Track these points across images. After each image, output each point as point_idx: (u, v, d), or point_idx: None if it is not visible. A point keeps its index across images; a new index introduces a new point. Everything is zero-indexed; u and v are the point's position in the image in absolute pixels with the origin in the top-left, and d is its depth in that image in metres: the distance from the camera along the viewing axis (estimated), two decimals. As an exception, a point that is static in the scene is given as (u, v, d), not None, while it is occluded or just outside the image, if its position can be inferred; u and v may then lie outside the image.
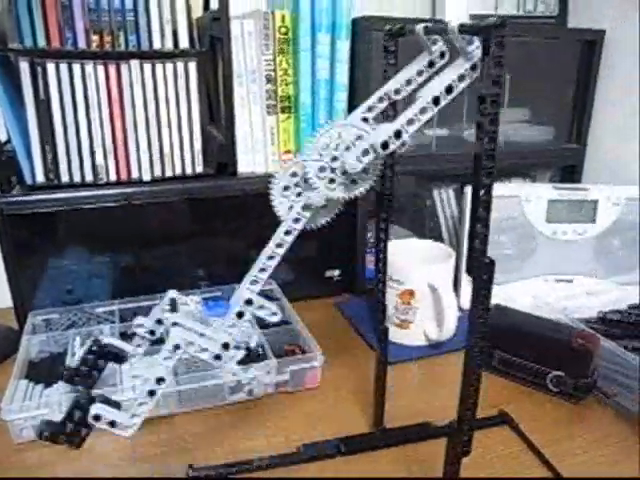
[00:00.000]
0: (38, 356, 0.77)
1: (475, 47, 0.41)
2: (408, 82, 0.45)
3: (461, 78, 0.41)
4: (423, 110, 0.42)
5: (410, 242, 0.90)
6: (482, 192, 0.41)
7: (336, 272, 0.97)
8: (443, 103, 0.42)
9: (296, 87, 0.88)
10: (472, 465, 0.50)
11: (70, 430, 0.45)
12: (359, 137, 0.42)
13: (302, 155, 0.44)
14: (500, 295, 0.92)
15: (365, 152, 0.41)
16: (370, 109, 0.46)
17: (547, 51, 0.97)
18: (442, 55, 0.45)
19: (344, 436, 0.64)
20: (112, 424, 0.46)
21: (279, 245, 0.47)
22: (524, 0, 1.01)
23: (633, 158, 1.01)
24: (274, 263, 0.48)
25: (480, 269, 0.42)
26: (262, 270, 0.47)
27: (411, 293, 0.80)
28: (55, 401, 0.65)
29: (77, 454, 0.63)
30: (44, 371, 0.73)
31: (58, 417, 0.63)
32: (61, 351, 0.77)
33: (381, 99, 0.46)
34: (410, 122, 0.41)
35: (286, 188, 0.46)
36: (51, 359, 0.76)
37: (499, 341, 0.76)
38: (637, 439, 0.66)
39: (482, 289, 0.42)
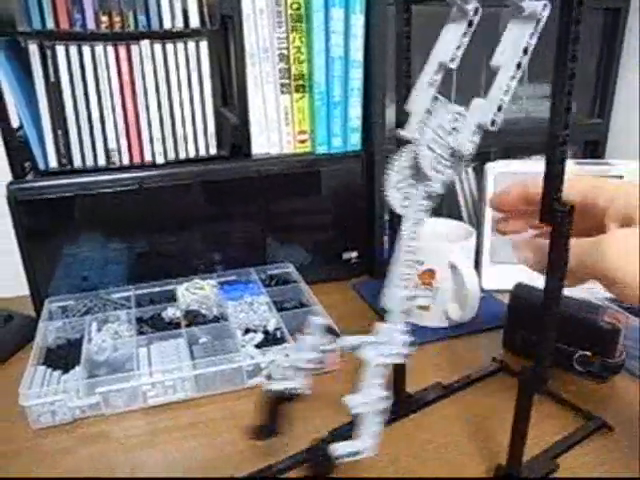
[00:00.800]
0: (55, 342, 0.76)
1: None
2: (457, 47, 0.44)
3: (531, 36, 0.39)
4: (512, 78, 0.40)
5: (429, 221, 0.87)
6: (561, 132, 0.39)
7: (353, 254, 0.96)
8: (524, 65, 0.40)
9: (310, 65, 0.85)
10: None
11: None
12: (456, 119, 0.42)
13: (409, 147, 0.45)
14: (524, 274, 0.90)
15: (474, 132, 0.41)
16: (431, 84, 0.45)
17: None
18: (476, 11, 0.43)
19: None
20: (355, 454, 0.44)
21: (412, 239, 0.47)
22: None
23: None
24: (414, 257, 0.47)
25: (560, 216, 0.41)
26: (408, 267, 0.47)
27: (432, 273, 0.78)
28: (72, 387, 0.65)
29: (94, 439, 0.63)
30: (61, 357, 0.73)
31: (75, 403, 0.64)
32: (78, 337, 0.76)
33: (437, 71, 0.44)
34: (506, 93, 0.40)
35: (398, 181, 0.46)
36: (68, 345, 0.76)
37: (523, 321, 0.74)
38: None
39: (561, 238, 0.41)
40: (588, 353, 0.70)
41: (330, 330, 0.54)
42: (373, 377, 0.44)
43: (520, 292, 0.75)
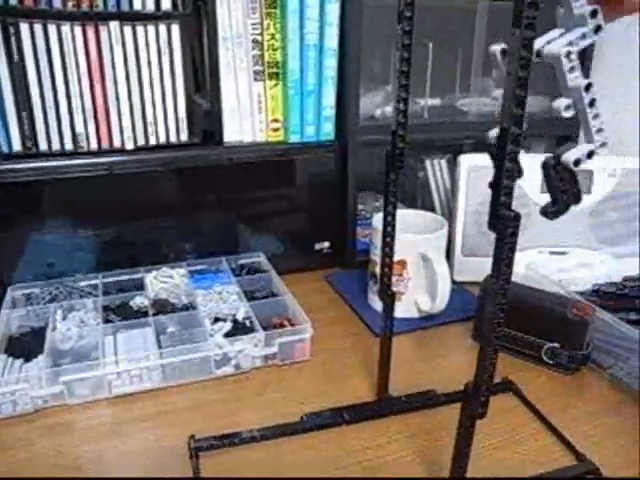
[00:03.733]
0: (18, 331, 0.74)
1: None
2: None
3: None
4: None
5: (401, 212, 0.87)
6: (510, 142, 0.37)
7: (326, 244, 0.95)
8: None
9: (284, 52, 0.84)
10: (480, 431, 0.49)
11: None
12: None
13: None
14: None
15: None
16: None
17: (539, 20, 0.95)
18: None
19: (349, 404, 0.64)
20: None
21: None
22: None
23: (627, 129, 0.99)
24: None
25: (505, 223, 0.39)
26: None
27: (403, 264, 0.78)
28: (34, 375, 0.63)
29: (57, 430, 0.61)
30: (24, 346, 0.71)
31: (37, 392, 0.62)
32: (42, 325, 0.74)
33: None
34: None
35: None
36: (32, 334, 0.74)
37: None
38: (634, 410, 0.64)
39: (508, 242, 0.40)
40: (556, 345, 0.70)
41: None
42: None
43: (488, 285, 0.75)
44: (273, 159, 0.87)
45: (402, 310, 0.80)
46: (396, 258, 0.77)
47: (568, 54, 0.39)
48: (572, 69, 0.39)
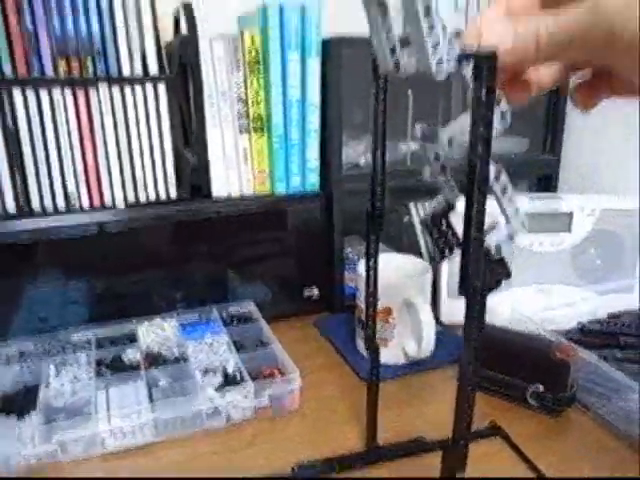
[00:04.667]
0: (12, 388, 0.75)
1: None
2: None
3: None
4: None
5: (385, 257, 0.89)
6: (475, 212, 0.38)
7: (315, 291, 0.97)
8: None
9: (268, 107, 0.87)
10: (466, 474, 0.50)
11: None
12: None
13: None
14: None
15: None
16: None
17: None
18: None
19: (339, 455, 0.65)
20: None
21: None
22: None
23: (606, 167, 1.02)
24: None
25: (474, 293, 0.41)
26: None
27: (388, 311, 0.80)
28: (28, 435, 0.64)
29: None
30: (18, 403, 0.72)
31: (30, 451, 0.63)
32: (36, 383, 0.75)
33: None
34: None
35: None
36: (25, 390, 0.75)
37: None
38: (617, 449, 0.66)
39: (476, 312, 0.41)
40: (541, 387, 0.72)
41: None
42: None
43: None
44: (260, 211, 0.90)
45: (389, 356, 0.81)
46: (381, 305, 0.79)
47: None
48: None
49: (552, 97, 1.04)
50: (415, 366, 0.82)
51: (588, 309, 0.91)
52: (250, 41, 0.84)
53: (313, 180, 0.92)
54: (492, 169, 0.38)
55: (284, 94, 0.87)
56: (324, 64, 0.87)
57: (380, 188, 0.54)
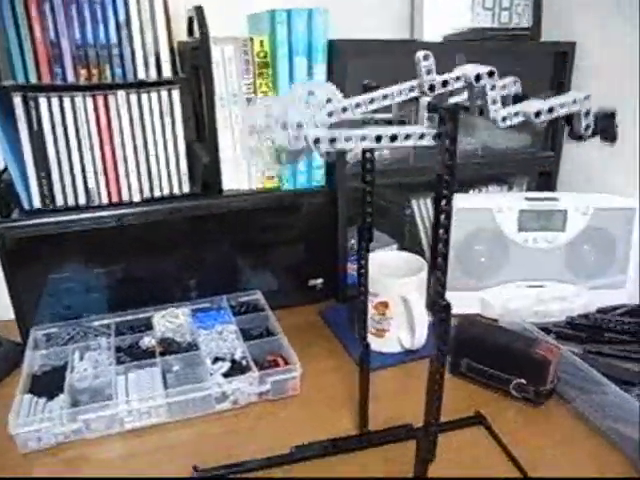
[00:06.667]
0: (40, 369, 0.83)
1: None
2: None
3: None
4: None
5: (385, 255, 0.95)
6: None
7: (319, 281, 1.03)
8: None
9: (276, 108, 0.92)
10: (446, 461, 0.56)
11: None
12: None
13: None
14: (475, 300, 0.98)
15: None
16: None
17: (521, 61, 1.01)
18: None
19: (333, 438, 0.71)
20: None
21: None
22: (499, 13, 1.04)
23: (604, 166, 1.05)
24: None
25: (438, 310, 0.47)
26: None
27: (385, 304, 0.85)
28: (57, 415, 0.72)
29: (76, 462, 0.70)
30: (46, 385, 0.79)
31: (59, 429, 0.71)
32: (61, 364, 0.83)
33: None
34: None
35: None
36: (52, 372, 0.82)
37: (466, 350, 0.82)
38: (592, 441, 0.72)
39: (441, 325, 0.48)
40: (523, 381, 0.77)
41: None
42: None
43: (463, 324, 0.83)
44: (269, 205, 0.95)
45: (386, 345, 0.88)
46: (379, 299, 0.85)
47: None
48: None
49: (553, 95, 1.07)
50: (409, 355, 0.88)
51: (579, 304, 0.95)
52: (259, 44, 0.88)
53: (319, 177, 0.97)
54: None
55: (291, 96, 0.91)
56: (330, 65, 0.91)
57: (369, 207, 0.59)
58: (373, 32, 0.98)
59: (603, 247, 0.97)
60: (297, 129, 0.43)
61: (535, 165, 1.11)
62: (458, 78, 0.47)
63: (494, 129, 1.10)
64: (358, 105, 0.47)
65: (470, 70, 0.46)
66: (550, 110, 0.45)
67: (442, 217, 0.45)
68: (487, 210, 0.95)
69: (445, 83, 0.47)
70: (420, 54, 0.45)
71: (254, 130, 0.47)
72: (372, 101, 0.47)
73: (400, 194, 1.09)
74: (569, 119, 0.48)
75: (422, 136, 0.45)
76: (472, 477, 0.67)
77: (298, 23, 0.88)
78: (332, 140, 0.43)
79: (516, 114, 0.46)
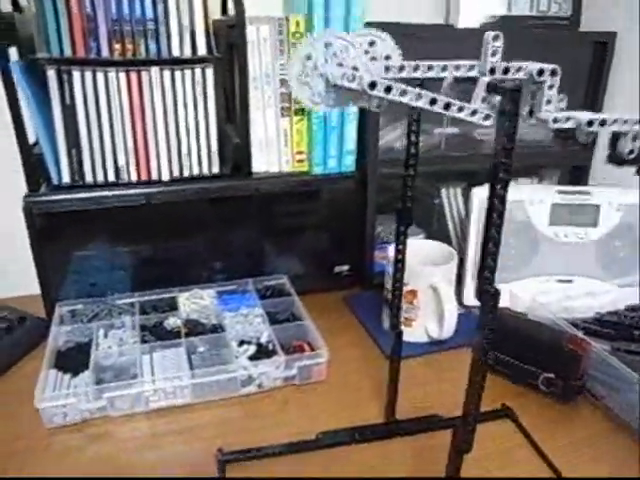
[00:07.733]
0: (65, 345, 0.83)
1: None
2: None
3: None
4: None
5: (414, 243, 0.93)
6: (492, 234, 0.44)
7: (345, 267, 1.02)
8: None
9: (309, 90, 0.90)
10: (474, 453, 0.56)
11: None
12: None
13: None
14: (503, 293, 0.96)
15: None
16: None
17: (559, 51, 0.99)
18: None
19: (360, 425, 0.71)
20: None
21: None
22: (538, 0, 1.02)
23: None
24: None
25: (487, 298, 0.46)
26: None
27: (414, 293, 0.84)
28: (82, 391, 0.71)
29: (101, 439, 0.70)
30: (71, 360, 0.79)
31: (84, 406, 0.71)
32: (86, 341, 0.83)
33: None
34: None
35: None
36: (77, 349, 0.82)
37: (494, 342, 0.80)
38: (622, 441, 0.70)
39: (489, 313, 0.47)
40: (552, 375, 0.76)
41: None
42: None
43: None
44: (297, 189, 0.94)
45: (413, 335, 0.86)
46: (408, 288, 0.84)
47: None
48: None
49: (589, 89, 1.05)
50: (437, 345, 0.87)
51: (609, 301, 0.94)
52: (295, 24, 0.87)
53: (349, 162, 0.96)
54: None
55: (325, 79, 0.90)
56: (365, 50, 0.89)
57: (410, 190, 0.58)
58: (408, 16, 0.96)
59: (635, 244, 0.96)
60: (352, 71, 0.43)
61: (567, 159, 1.09)
62: (520, 68, 0.45)
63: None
64: (417, 68, 0.46)
65: (533, 64, 0.44)
66: (602, 123, 0.43)
67: (496, 202, 0.44)
68: (519, 202, 0.94)
69: (507, 70, 0.45)
70: (490, 34, 0.44)
71: (307, 60, 0.47)
72: (431, 67, 0.46)
73: (429, 183, 1.07)
74: (614, 140, 0.47)
75: (474, 112, 0.44)
76: (506, 477, 0.66)
77: (336, 4, 0.86)
78: (388, 89, 0.42)
79: (568, 118, 0.44)
